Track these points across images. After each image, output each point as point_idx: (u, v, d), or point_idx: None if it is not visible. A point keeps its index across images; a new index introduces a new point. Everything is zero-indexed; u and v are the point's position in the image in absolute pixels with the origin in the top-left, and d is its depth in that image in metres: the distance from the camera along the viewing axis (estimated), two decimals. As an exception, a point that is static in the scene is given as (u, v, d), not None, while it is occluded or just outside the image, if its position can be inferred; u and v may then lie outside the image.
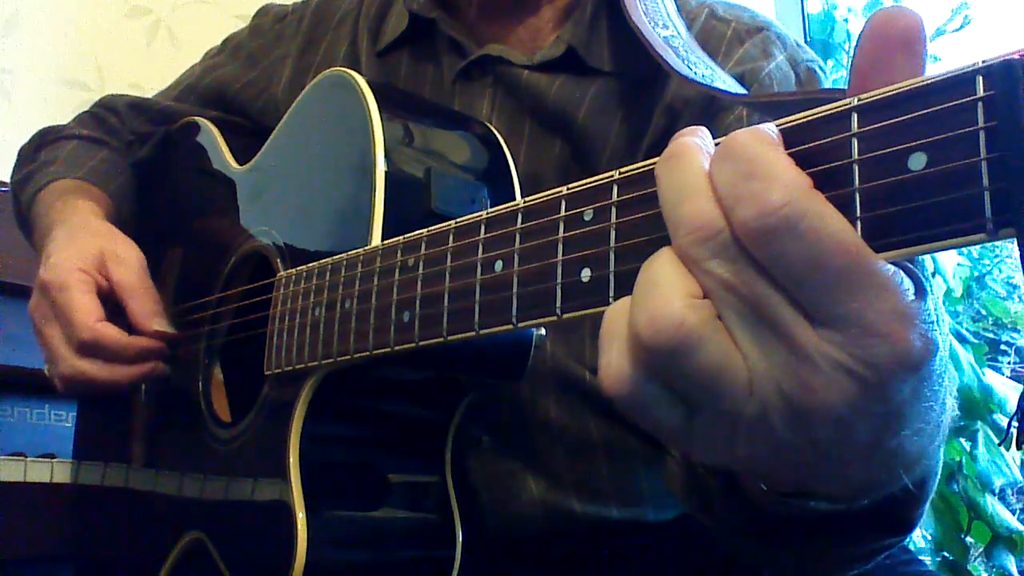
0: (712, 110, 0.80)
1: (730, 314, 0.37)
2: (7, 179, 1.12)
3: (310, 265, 0.72)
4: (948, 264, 2.03)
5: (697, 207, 0.37)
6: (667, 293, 0.37)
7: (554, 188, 0.49)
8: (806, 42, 2.10)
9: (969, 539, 1.84)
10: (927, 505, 0.56)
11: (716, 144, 0.39)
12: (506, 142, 0.79)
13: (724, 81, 0.71)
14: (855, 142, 0.36)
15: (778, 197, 0.35)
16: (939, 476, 0.55)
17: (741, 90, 0.72)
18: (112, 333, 0.84)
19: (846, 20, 2.33)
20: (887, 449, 0.41)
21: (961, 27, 2.21)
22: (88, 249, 0.88)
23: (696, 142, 0.39)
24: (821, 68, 0.86)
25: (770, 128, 0.38)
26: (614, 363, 0.39)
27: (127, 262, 0.89)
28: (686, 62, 0.71)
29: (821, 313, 0.35)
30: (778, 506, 0.51)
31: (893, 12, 0.37)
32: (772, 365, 0.37)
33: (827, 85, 0.88)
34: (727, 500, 0.58)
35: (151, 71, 1.90)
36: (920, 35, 0.37)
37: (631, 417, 0.41)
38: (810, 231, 0.35)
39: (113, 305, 0.87)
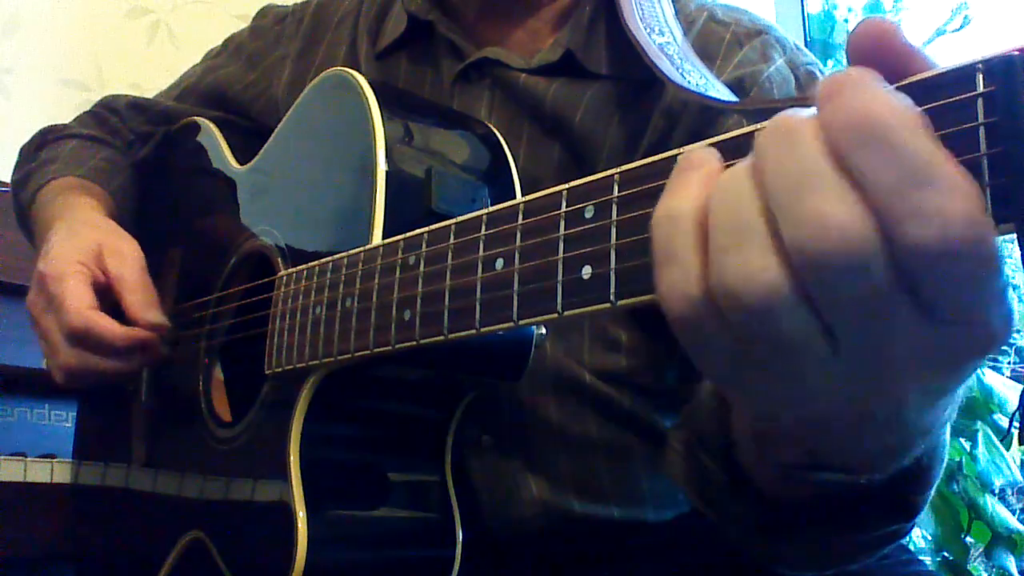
0: (711, 113, 0.80)
1: (833, 314, 0.35)
2: (7, 179, 1.12)
3: (310, 264, 0.72)
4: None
5: (842, 220, 0.33)
6: (764, 248, 0.35)
7: None
8: (806, 43, 2.11)
9: (969, 539, 1.84)
10: (930, 493, 0.56)
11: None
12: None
13: (718, 90, 0.71)
14: (856, 139, 0.36)
15: (961, 215, 0.31)
16: (944, 460, 0.55)
17: (734, 98, 0.72)
18: (103, 322, 0.84)
19: (846, 20, 2.33)
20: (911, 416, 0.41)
21: (961, 27, 2.21)
22: (87, 243, 0.89)
23: (806, 116, 0.35)
24: (821, 71, 0.86)
25: (911, 104, 0.33)
26: (679, 287, 0.37)
27: (125, 256, 0.89)
28: (680, 70, 0.71)
29: (947, 316, 0.34)
30: (784, 485, 0.51)
31: (866, 25, 0.36)
32: (864, 349, 0.36)
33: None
34: (732, 489, 0.58)
35: (151, 71, 1.90)
36: (899, 38, 0.35)
37: (683, 340, 0.39)
38: (987, 252, 0.32)
39: (110, 299, 0.87)
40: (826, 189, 0.33)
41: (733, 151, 0.38)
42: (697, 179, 0.38)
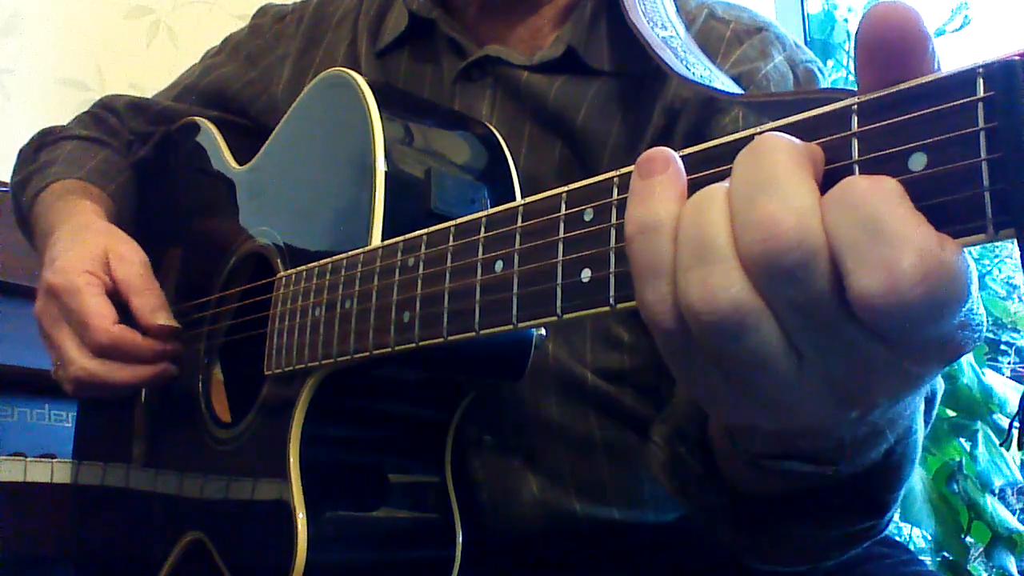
0: (710, 110, 0.80)
1: (790, 322, 0.36)
2: (7, 179, 1.12)
3: (310, 265, 0.72)
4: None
5: (788, 223, 0.34)
6: (726, 266, 0.36)
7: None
8: (806, 42, 2.10)
9: (969, 539, 1.84)
10: (900, 493, 0.56)
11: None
12: (506, 143, 0.80)
13: (722, 82, 0.71)
14: (855, 142, 0.36)
15: (911, 269, 0.32)
16: (917, 460, 0.56)
17: (739, 90, 0.72)
18: (129, 335, 0.84)
19: (846, 20, 2.33)
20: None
21: (961, 27, 2.21)
22: (92, 250, 0.88)
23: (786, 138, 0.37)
24: (820, 69, 0.86)
25: (890, 180, 0.35)
26: (664, 302, 0.38)
27: (130, 261, 0.89)
28: (684, 63, 0.71)
29: (904, 345, 0.35)
30: (755, 477, 0.51)
31: (888, 9, 0.35)
32: (828, 364, 0.37)
33: (825, 86, 0.88)
34: (704, 479, 0.59)
35: (151, 71, 1.90)
36: (920, 28, 0.35)
37: (665, 352, 0.41)
38: (939, 303, 0.33)
39: (118, 304, 0.87)
40: (778, 195, 0.34)
41: (731, 155, 0.38)
42: (664, 185, 0.39)
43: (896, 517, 1.87)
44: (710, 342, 0.37)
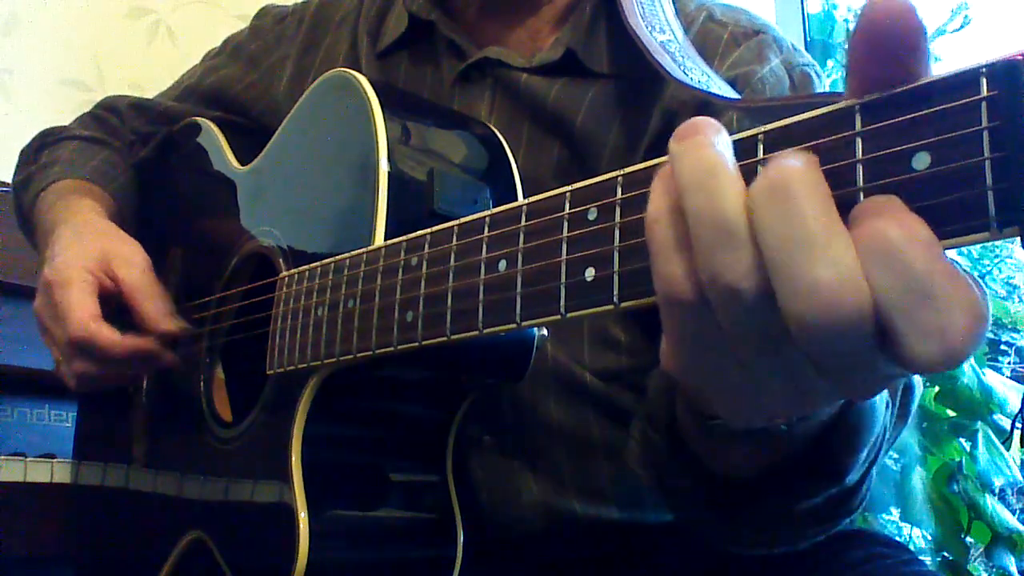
0: (706, 113, 0.80)
1: (827, 363, 0.37)
2: (7, 179, 1.12)
3: (312, 265, 0.72)
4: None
5: (833, 286, 0.34)
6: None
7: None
8: (806, 42, 2.10)
9: (969, 539, 1.84)
10: (861, 457, 0.56)
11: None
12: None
13: (719, 87, 0.71)
14: (858, 142, 0.37)
15: (963, 332, 0.33)
16: (881, 437, 0.56)
17: (736, 95, 0.72)
18: (104, 332, 0.83)
19: (846, 20, 2.33)
20: None
21: (961, 27, 2.21)
22: (92, 249, 0.88)
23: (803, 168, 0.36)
24: (817, 73, 0.86)
25: (922, 226, 0.34)
26: (676, 281, 0.39)
27: (133, 262, 0.89)
28: (682, 67, 0.72)
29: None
30: (714, 450, 0.54)
31: (886, 4, 0.35)
32: (846, 373, 0.37)
33: (823, 89, 0.88)
34: (673, 462, 0.59)
35: (151, 71, 1.90)
36: (918, 27, 0.35)
37: (679, 332, 0.41)
38: (978, 346, 0.34)
39: (118, 305, 0.87)
40: (814, 252, 0.34)
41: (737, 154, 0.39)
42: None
43: (896, 516, 1.86)
44: (729, 317, 0.38)
